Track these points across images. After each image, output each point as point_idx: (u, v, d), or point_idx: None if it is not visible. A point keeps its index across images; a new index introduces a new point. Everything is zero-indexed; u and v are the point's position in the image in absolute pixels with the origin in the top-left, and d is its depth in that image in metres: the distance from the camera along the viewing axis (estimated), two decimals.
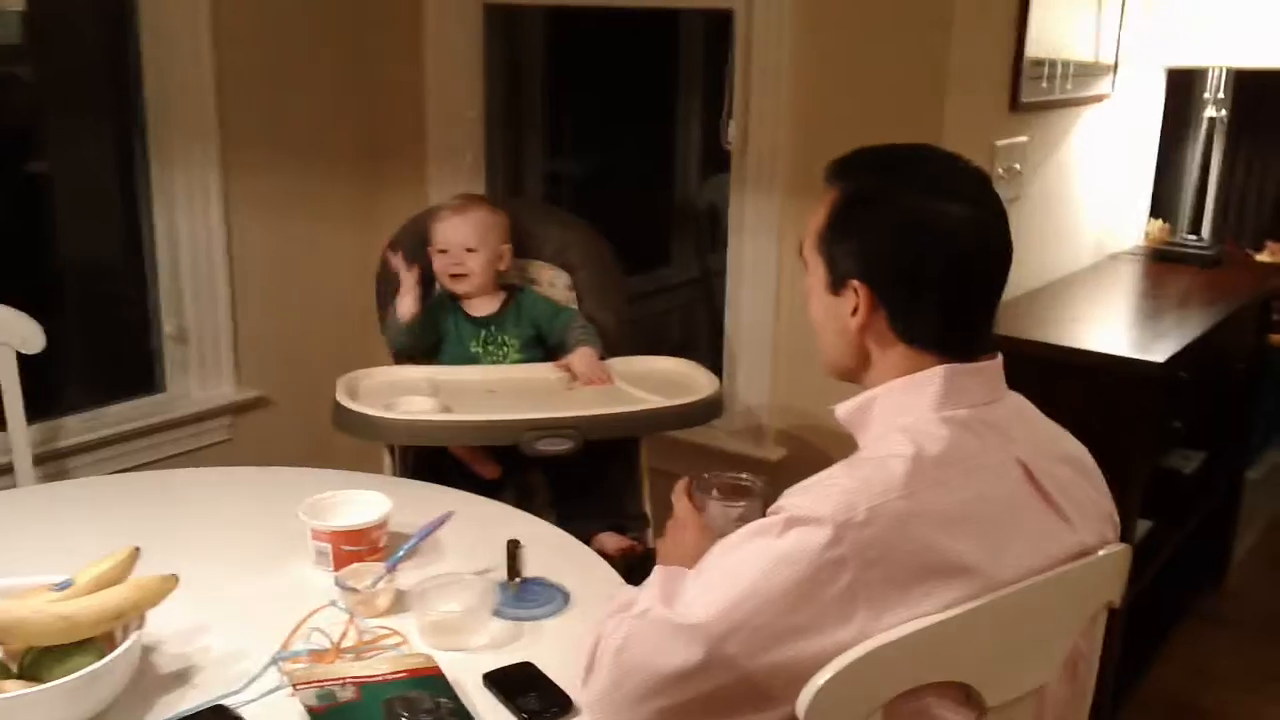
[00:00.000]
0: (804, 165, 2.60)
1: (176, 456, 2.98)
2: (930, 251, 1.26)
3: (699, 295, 4.20)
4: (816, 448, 2.74)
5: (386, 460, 2.19)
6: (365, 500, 1.71)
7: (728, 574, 1.18)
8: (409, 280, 2.28)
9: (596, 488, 2.32)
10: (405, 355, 2.41)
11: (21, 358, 2.38)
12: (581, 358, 2.29)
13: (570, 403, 2.14)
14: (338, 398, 2.08)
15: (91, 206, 3.02)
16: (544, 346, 2.43)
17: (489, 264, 2.39)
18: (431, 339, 2.38)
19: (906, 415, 1.27)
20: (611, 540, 2.24)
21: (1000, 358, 1.32)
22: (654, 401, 2.14)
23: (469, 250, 2.37)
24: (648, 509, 2.36)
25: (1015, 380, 1.36)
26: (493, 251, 2.40)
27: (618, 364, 2.36)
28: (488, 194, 3.24)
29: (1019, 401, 1.36)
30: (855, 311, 1.29)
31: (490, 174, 3.27)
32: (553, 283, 2.55)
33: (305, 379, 3.07)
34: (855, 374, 1.35)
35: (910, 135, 2.49)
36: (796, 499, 1.19)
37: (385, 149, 3.29)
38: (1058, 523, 1.27)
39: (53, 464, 2.71)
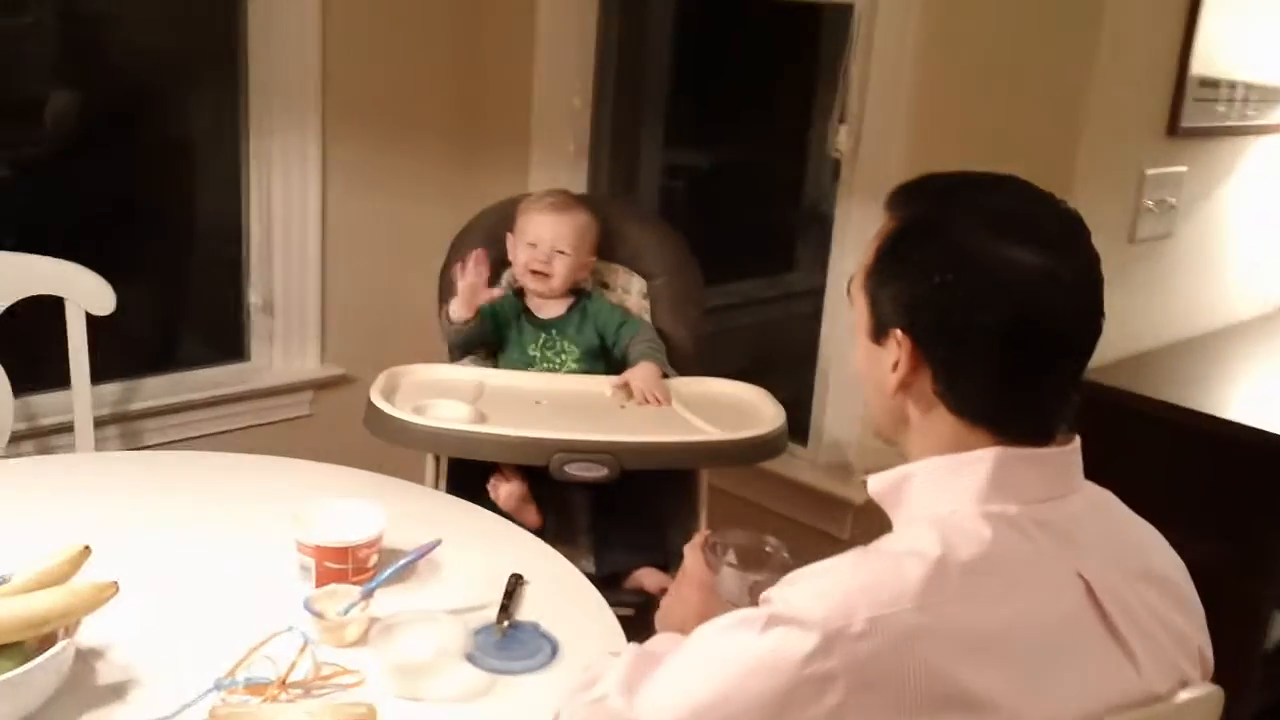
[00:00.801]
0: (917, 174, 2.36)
1: (253, 428, 2.94)
2: (984, 304, 1.04)
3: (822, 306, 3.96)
4: None
5: (429, 466, 2.08)
6: (362, 512, 1.59)
7: (698, 671, 1.02)
8: (470, 285, 2.14)
9: (643, 515, 2.15)
10: (463, 350, 2.28)
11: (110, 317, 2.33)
12: (641, 373, 2.12)
13: (613, 424, 1.97)
14: (371, 393, 1.97)
15: (195, 172, 2.99)
16: (608, 357, 2.27)
17: (573, 271, 2.25)
18: (490, 336, 2.25)
19: (944, 502, 1.07)
20: (652, 578, 2.07)
21: (1077, 442, 1.10)
22: (703, 432, 1.96)
23: (559, 252, 2.22)
24: None
25: (1131, 448, 1.11)
26: (582, 259, 2.26)
27: (679, 384, 2.18)
28: (590, 187, 3.10)
29: (1097, 498, 1.14)
30: (896, 367, 1.10)
31: (594, 165, 3.12)
32: (626, 288, 2.39)
33: (390, 360, 2.95)
34: (895, 439, 1.16)
35: (1042, 155, 2.29)
36: (790, 590, 1.01)
37: (488, 130, 3.18)
38: (1121, 659, 1.04)
39: (125, 425, 2.71)
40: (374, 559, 1.55)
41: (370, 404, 1.94)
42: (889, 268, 1.11)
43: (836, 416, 2.59)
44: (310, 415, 3.05)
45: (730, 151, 3.99)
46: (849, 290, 1.18)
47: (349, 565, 1.52)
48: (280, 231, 2.89)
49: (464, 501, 1.85)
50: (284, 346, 2.97)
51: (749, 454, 1.96)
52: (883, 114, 2.40)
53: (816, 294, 4.07)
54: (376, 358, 3.08)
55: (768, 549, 1.43)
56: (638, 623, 1.53)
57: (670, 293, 2.35)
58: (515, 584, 1.57)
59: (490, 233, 2.33)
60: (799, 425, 2.69)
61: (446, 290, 2.31)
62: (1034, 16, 2.20)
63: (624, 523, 2.11)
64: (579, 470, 1.85)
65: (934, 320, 1.07)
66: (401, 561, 1.53)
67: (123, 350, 2.70)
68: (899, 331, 1.09)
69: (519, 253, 2.25)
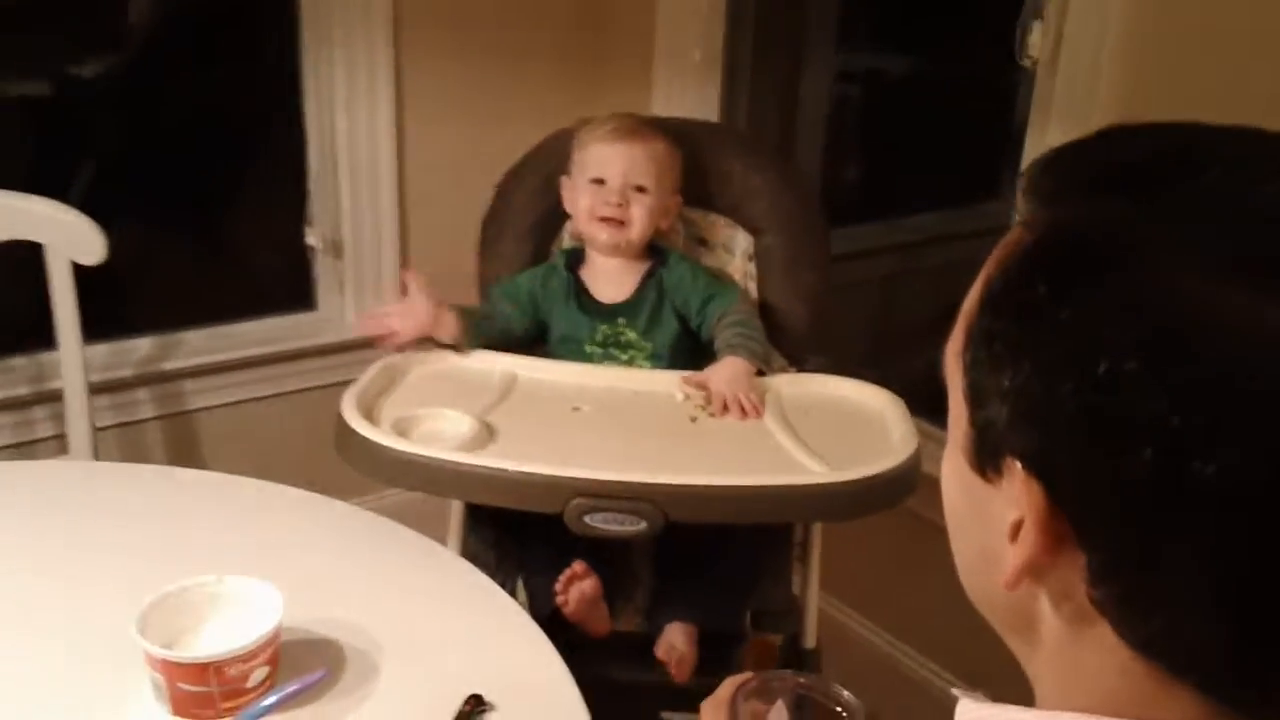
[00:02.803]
0: (1137, 95, 1.68)
1: (319, 390, 2.52)
2: (1218, 438, 0.48)
3: None
4: None
5: (455, 505, 1.59)
6: (258, 600, 1.11)
7: None
8: (439, 313, 1.64)
9: (724, 562, 1.57)
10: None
11: (148, 267, 1.93)
12: (725, 373, 1.56)
13: (666, 451, 1.42)
14: (344, 399, 1.48)
15: (246, 89, 2.55)
16: (696, 344, 1.70)
17: (654, 217, 1.69)
18: (526, 329, 1.73)
19: None
20: (682, 635, 1.52)
21: None
22: (792, 469, 1.37)
23: (637, 189, 1.67)
24: (811, 593, 1.61)
25: None
26: (664, 199, 1.70)
27: (781, 383, 1.60)
28: (724, 105, 2.49)
29: None
30: (1016, 534, 0.55)
31: (732, 79, 2.51)
32: (729, 246, 1.80)
33: None
34: (1010, 640, 0.64)
35: None
36: None
37: (604, 36, 2.60)
38: None
39: (159, 387, 2.33)
40: (259, 675, 1.07)
41: (339, 414, 1.44)
42: (1008, 330, 0.55)
43: None
44: None
45: (922, 55, 3.29)
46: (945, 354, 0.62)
47: (215, 687, 1.05)
48: (346, 159, 2.42)
49: (463, 566, 1.34)
50: (356, 295, 2.53)
51: (853, 504, 1.35)
52: (1090, 6, 1.71)
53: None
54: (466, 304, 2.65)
55: (838, 709, 0.89)
56: None
57: (784, 254, 1.75)
58: (468, 713, 1.07)
59: (551, 172, 1.79)
60: None
61: (493, 237, 1.80)
62: None
63: (694, 571, 1.56)
64: (604, 523, 1.31)
65: (1095, 462, 0.51)
66: (281, 694, 1.04)
67: (161, 300, 2.33)
68: (1022, 467, 0.54)
69: (580, 196, 1.70)
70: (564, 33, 2.60)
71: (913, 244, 3.32)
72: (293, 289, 2.54)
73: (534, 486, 1.32)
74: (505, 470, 1.32)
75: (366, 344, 2.54)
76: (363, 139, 2.41)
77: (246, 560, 1.28)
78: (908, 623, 2.19)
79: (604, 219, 1.68)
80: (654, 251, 1.73)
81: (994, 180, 3.44)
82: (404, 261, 2.56)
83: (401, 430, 1.42)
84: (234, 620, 1.11)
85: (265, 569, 1.16)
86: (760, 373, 1.60)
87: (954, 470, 0.61)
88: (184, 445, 2.39)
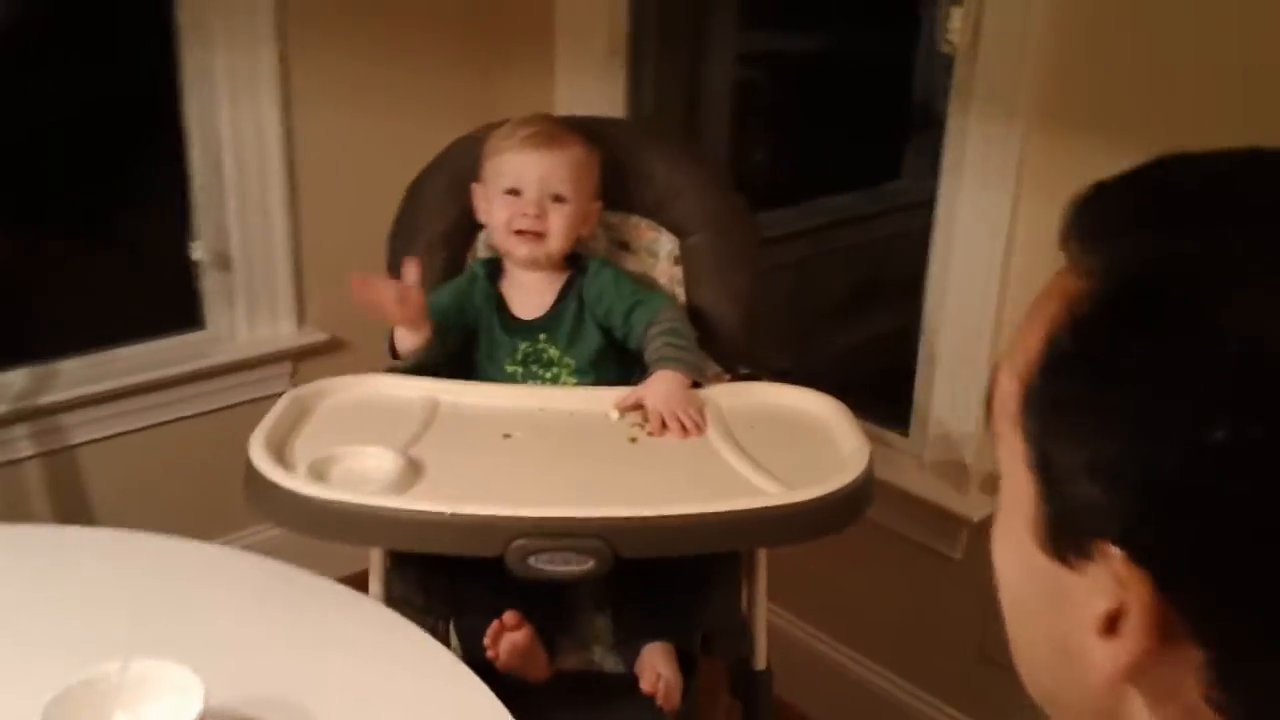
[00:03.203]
0: (1066, 82, 1.64)
1: (216, 413, 2.38)
2: None
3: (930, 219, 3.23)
4: None
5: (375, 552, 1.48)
6: (177, 687, 0.99)
7: None
8: (406, 290, 1.48)
9: (672, 575, 1.48)
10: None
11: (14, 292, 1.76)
12: (660, 388, 1.47)
13: (611, 479, 1.33)
14: (253, 437, 1.34)
15: (120, 94, 2.37)
16: (622, 353, 1.61)
17: (574, 226, 1.59)
18: (459, 342, 1.61)
19: None
20: (662, 657, 1.44)
21: None
22: (746, 491, 1.29)
23: (555, 199, 1.56)
24: (759, 612, 1.54)
25: None
26: (584, 207, 1.60)
27: (719, 394, 1.52)
28: (630, 95, 2.40)
29: None
30: (1111, 626, 0.48)
31: (637, 66, 2.41)
32: (652, 250, 1.71)
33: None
34: None
35: (1265, 64, 1.54)
36: None
37: (501, 30, 2.49)
38: None
39: (38, 423, 2.15)
40: None
41: (247, 458, 1.31)
42: (1089, 393, 0.48)
43: (950, 400, 1.90)
44: None
45: (823, 35, 3.23)
46: (988, 406, 0.54)
47: None
48: (232, 166, 2.26)
49: (390, 617, 1.23)
50: (249, 310, 2.37)
51: (812, 525, 1.27)
52: None
53: (927, 206, 3.37)
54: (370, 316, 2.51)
55: None
56: None
57: (713, 255, 1.67)
58: None
59: (461, 177, 1.67)
60: (899, 402, 2.02)
61: (399, 260, 1.67)
62: None
63: (647, 592, 1.46)
64: (549, 564, 1.21)
65: (1216, 544, 0.45)
66: None
67: (32, 328, 2.15)
68: (1115, 551, 0.46)
69: (495, 208, 1.59)
70: (459, 22, 2.47)
71: (822, 227, 3.28)
72: (177, 307, 2.37)
73: (471, 530, 1.21)
74: (440, 514, 1.21)
75: (261, 363, 2.41)
76: (248, 139, 2.26)
77: (155, 634, 1.16)
78: (851, 625, 2.14)
79: (521, 232, 1.57)
80: (573, 260, 1.63)
81: (896, 162, 3.41)
82: (298, 269, 2.41)
83: (319, 473, 1.29)
84: (149, 714, 0.98)
85: (177, 643, 1.05)
86: (696, 384, 1.51)
87: (1016, 552, 0.53)
88: (67, 484, 2.21)
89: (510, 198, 1.57)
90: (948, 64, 3.09)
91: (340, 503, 1.23)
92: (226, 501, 2.40)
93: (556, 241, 1.58)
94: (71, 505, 2.22)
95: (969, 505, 1.89)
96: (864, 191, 3.40)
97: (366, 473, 1.31)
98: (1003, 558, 0.55)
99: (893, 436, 2.04)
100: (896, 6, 3.14)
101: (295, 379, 2.47)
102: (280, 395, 2.37)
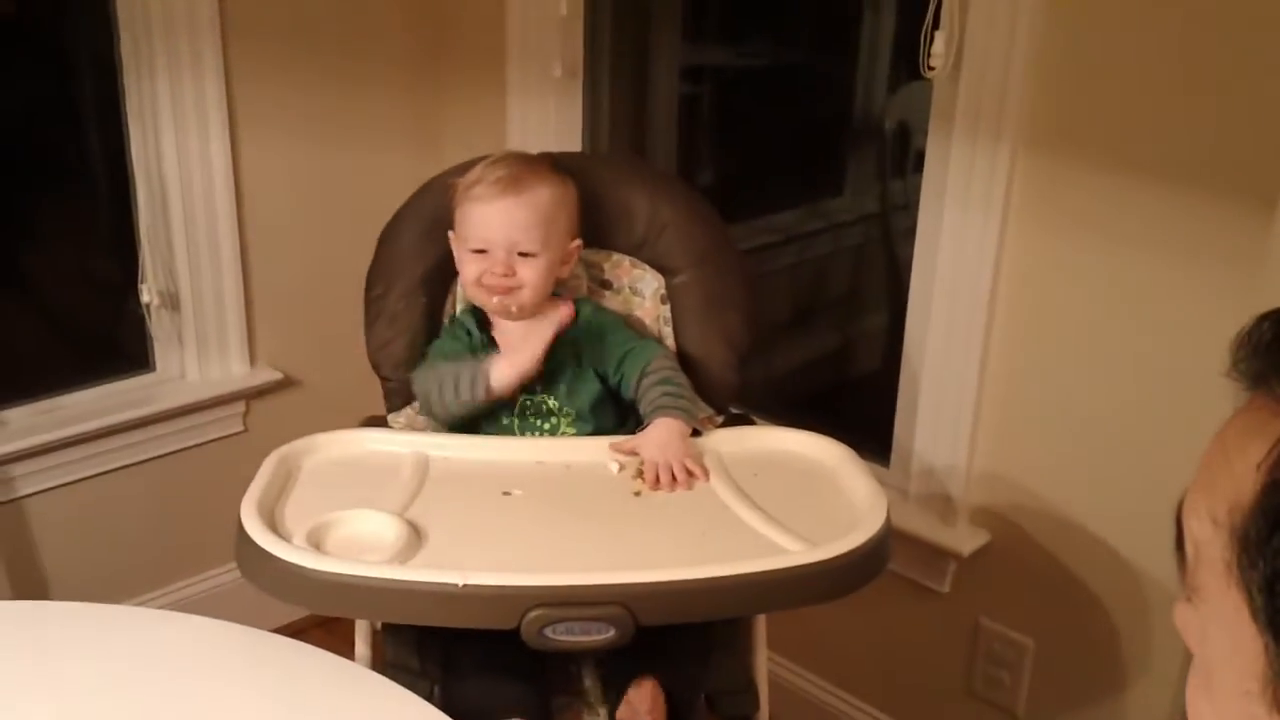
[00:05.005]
0: (1052, 104, 1.63)
1: (168, 457, 2.29)
2: None
3: (875, 235, 3.22)
4: (1037, 542, 1.81)
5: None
6: None
7: None
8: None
9: (675, 639, 1.43)
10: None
11: None
12: (657, 438, 1.42)
13: (625, 541, 1.28)
14: (243, 511, 1.27)
15: (63, 129, 2.27)
16: (619, 401, 1.56)
17: (549, 274, 1.53)
18: None
19: None
20: (647, 696, 1.39)
21: None
22: (764, 548, 1.25)
23: (524, 255, 1.50)
24: (760, 661, 1.50)
25: None
26: (559, 251, 1.54)
27: (719, 442, 1.48)
28: (587, 119, 2.35)
29: None
30: None
31: (592, 88, 2.36)
32: (636, 288, 1.66)
33: (340, 355, 2.24)
34: None
35: (1261, 85, 1.52)
36: None
37: (452, 46, 2.42)
38: None
39: None
40: None
41: (240, 528, 1.24)
42: None
43: (934, 433, 1.88)
44: (244, 432, 2.38)
45: (763, 47, 3.21)
46: (1179, 553, 0.50)
47: None
48: (178, 203, 2.17)
49: (386, 687, 1.17)
50: (199, 350, 2.28)
51: (838, 583, 1.23)
52: (996, 13, 1.64)
53: (867, 221, 3.36)
54: (324, 353, 2.42)
55: None
56: None
57: (701, 294, 1.62)
58: None
59: (437, 217, 1.61)
60: (871, 430, 1.99)
61: (377, 306, 1.61)
62: None
63: (650, 652, 1.41)
64: (567, 634, 1.16)
65: None
66: None
67: None
68: None
69: (463, 262, 1.53)
70: (407, 48, 2.40)
71: (771, 245, 3.26)
72: (124, 350, 2.27)
73: (485, 602, 1.16)
74: (451, 585, 1.15)
75: (213, 404, 2.32)
76: (196, 176, 2.17)
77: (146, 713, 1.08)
78: (836, 661, 2.11)
79: (490, 286, 1.51)
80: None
81: (839, 178, 3.40)
82: (249, 307, 2.32)
83: (315, 541, 1.23)
84: None
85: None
86: (695, 432, 1.47)
87: (1235, 711, 0.49)
88: (16, 536, 2.10)
89: (478, 256, 1.51)
90: (890, 82, 3.11)
91: (344, 576, 1.17)
92: (181, 547, 2.32)
93: (530, 293, 1.51)
94: (20, 557, 2.11)
95: (957, 539, 1.87)
96: (806, 208, 3.39)
97: (365, 540, 1.24)
98: (1214, 714, 0.51)
99: (874, 469, 2.01)
100: (835, 22, 3.13)
101: (248, 419, 2.38)
102: (233, 436, 2.36)
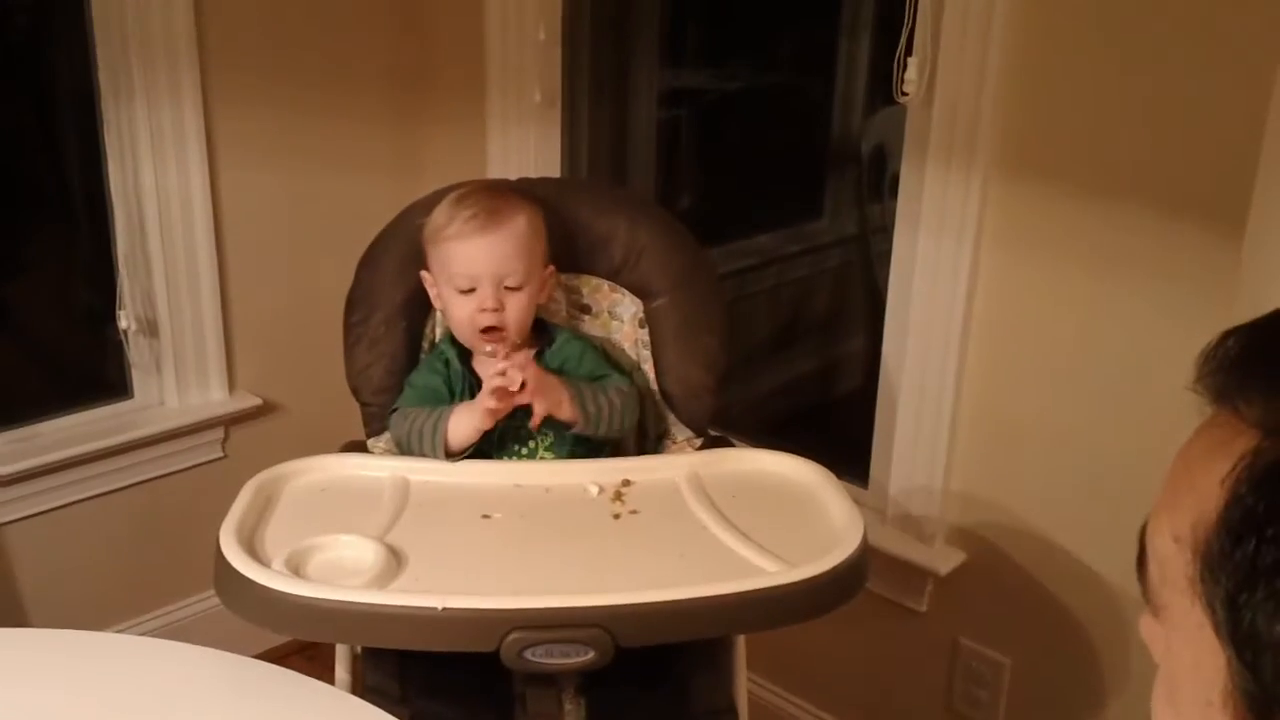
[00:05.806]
0: (1024, 128, 1.65)
1: (147, 484, 2.28)
2: None
3: (854, 258, 3.25)
4: (1014, 561, 1.83)
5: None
6: None
7: None
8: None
9: (653, 662, 1.44)
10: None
11: None
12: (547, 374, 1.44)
13: (605, 563, 1.28)
14: (222, 537, 1.27)
15: (38, 153, 2.27)
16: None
17: (531, 305, 1.53)
18: None
19: None
20: None
21: None
22: (742, 569, 1.26)
23: (510, 289, 1.50)
24: (741, 700, 1.50)
25: None
26: (539, 280, 1.54)
27: (700, 463, 1.49)
28: (567, 145, 2.37)
29: None
30: None
31: (572, 120, 2.38)
32: (614, 312, 1.68)
33: (318, 381, 2.25)
34: None
35: (1225, 111, 1.56)
36: None
37: (431, 72, 2.44)
38: None
39: None
40: None
41: (219, 554, 1.24)
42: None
43: (910, 452, 1.90)
44: (223, 458, 2.38)
45: (740, 71, 3.24)
46: (1140, 571, 0.52)
47: None
48: (156, 229, 2.17)
49: (369, 713, 1.17)
50: (178, 376, 2.28)
51: (817, 602, 1.25)
52: (969, 40, 1.67)
53: (846, 244, 3.39)
54: (303, 379, 2.43)
55: None
56: None
57: (679, 318, 1.64)
58: None
59: (417, 245, 1.62)
60: (849, 451, 2.01)
61: (358, 332, 1.61)
62: None
63: (631, 675, 1.42)
64: (546, 657, 1.17)
65: None
66: None
67: None
68: None
69: (451, 304, 1.53)
70: (386, 76, 2.42)
71: (751, 268, 3.28)
72: (104, 377, 2.26)
73: (465, 625, 1.16)
74: (430, 609, 1.15)
75: (192, 431, 2.31)
76: (174, 201, 2.17)
77: None
78: (815, 681, 2.12)
79: (487, 330, 1.51)
80: (539, 330, 1.58)
81: (818, 202, 3.43)
82: (228, 333, 2.32)
83: (295, 566, 1.23)
84: None
85: None
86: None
87: None
88: None
89: (466, 297, 1.51)
90: (867, 106, 3.14)
91: (323, 600, 1.17)
92: (160, 573, 2.32)
93: (515, 330, 1.51)
94: None
95: (934, 558, 1.89)
96: (786, 231, 3.42)
97: (345, 564, 1.25)
98: None
99: (852, 490, 2.03)
100: (812, 47, 3.17)
101: (227, 445, 2.38)
102: (213, 462, 2.36)
